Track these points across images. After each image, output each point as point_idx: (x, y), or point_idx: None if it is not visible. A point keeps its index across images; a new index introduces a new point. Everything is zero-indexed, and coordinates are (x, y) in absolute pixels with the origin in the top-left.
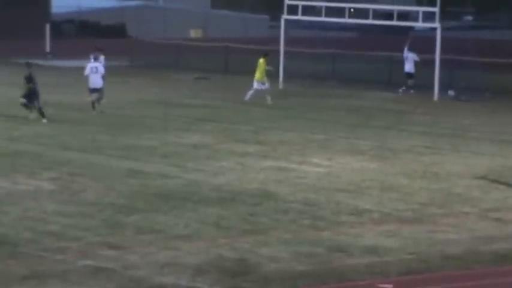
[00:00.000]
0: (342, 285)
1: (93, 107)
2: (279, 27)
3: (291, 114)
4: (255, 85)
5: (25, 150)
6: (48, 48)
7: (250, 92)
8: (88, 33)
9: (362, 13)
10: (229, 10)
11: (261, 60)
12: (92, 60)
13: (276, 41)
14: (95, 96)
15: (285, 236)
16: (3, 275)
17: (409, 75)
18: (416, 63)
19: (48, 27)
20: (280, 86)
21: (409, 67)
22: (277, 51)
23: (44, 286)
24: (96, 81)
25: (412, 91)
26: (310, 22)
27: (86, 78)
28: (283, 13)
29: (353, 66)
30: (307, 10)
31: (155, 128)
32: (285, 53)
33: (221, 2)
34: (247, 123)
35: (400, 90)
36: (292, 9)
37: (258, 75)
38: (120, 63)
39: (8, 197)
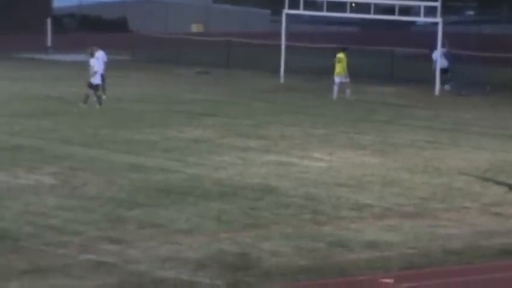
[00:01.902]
0: (342, 280)
1: (99, 102)
2: (280, 21)
3: (293, 108)
4: (336, 80)
5: (26, 144)
6: (49, 43)
7: (335, 89)
8: (89, 27)
9: (364, 7)
10: (231, 4)
11: (342, 55)
12: (91, 56)
13: (278, 35)
14: (99, 92)
15: (286, 230)
16: (4, 269)
17: (446, 70)
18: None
19: (49, 21)
20: (282, 80)
21: (444, 63)
22: (279, 46)
23: (45, 280)
24: (98, 77)
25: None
26: (312, 17)
27: (94, 74)
28: (284, 7)
29: (354, 61)
30: (309, 4)
31: (156, 123)
32: (287, 47)
33: None
34: (248, 118)
35: (447, 86)
36: (294, 4)
37: (339, 69)
38: (122, 58)
39: (8, 192)
